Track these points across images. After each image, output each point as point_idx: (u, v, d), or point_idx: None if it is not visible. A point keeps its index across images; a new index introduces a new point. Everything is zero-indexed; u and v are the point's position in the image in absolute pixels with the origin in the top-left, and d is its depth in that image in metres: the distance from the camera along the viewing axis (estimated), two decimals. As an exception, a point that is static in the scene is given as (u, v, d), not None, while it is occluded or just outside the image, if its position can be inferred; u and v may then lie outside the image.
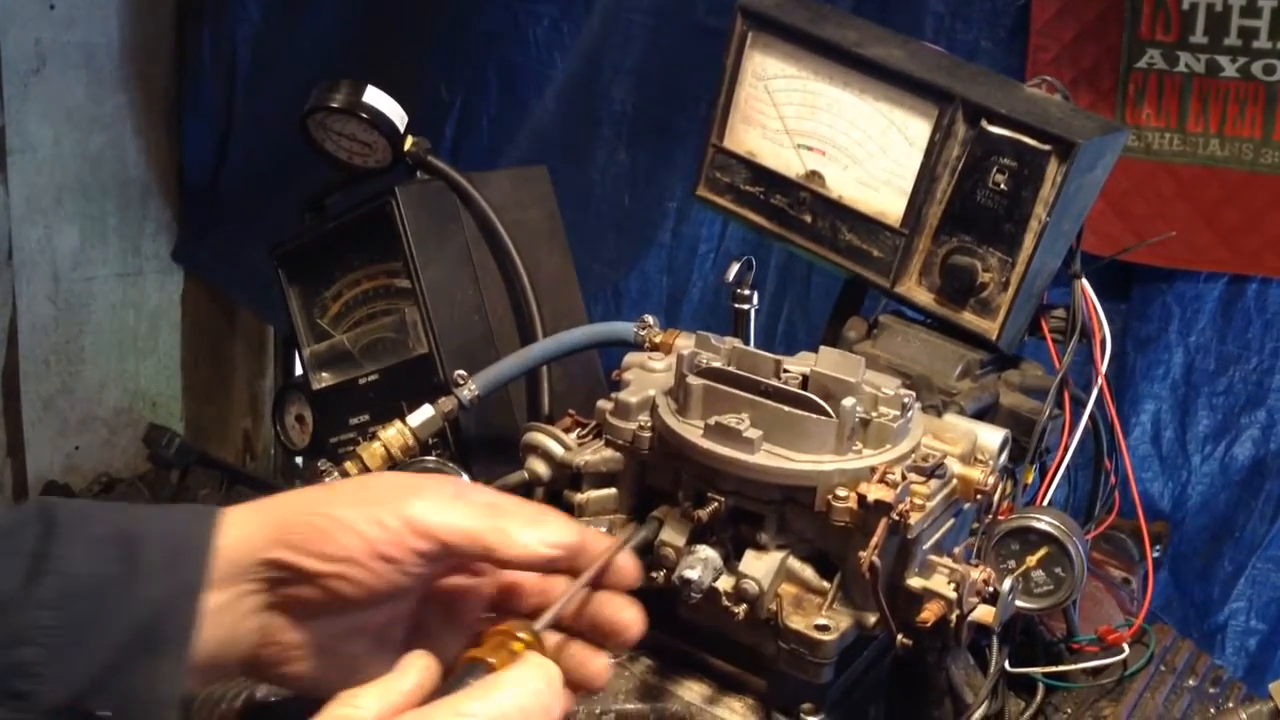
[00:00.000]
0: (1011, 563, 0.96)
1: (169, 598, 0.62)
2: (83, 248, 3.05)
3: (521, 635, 0.61)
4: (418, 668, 0.59)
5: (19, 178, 2.87)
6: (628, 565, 0.70)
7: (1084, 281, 1.11)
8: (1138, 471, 1.84)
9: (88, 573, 0.61)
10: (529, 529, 0.65)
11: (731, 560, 0.83)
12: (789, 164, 1.16)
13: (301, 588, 0.64)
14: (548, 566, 0.66)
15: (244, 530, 0.65)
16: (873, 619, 0.81)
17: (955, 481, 0.84)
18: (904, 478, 0.78)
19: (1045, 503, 1.07)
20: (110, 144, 3.04)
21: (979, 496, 0.85)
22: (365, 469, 1.05)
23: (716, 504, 0.81)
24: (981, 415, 1.04)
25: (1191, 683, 1.07)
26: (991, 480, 0.85)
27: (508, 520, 0.65)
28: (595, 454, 0.91)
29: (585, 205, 2.30)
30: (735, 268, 1.24)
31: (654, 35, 2.25)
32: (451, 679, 0.59)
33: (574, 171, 2.30)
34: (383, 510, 0.64)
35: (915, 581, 0.81)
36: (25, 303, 2.95)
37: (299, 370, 1.38)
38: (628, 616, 0.68)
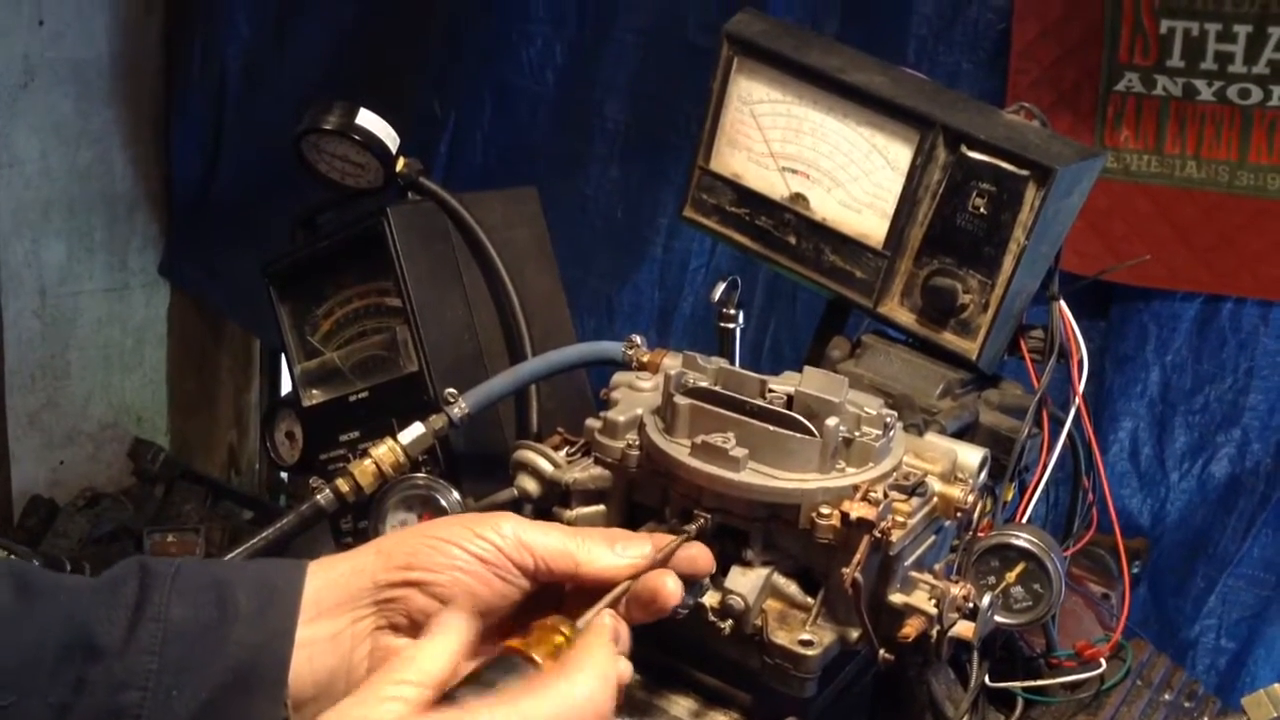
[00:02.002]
0: (991, 579, 0.98)
1: (263, 640, 0.66)
2: (69, 262, 3.05)
3: (564, 631, 0.66)
4: (456, 627, 0.65)
5: (6, 192, 2.87)
6: (702, 555, 0.76)
7: (1062, 303, 1.13)
8: (1117, 488, 1.86)
9: (185, 619, 0.66)
10: (611, 547, 0.71)
11: (717, 576, 0.84)
12: (774, 186, 1.18)
13: (414, 601, 0.69)
14: (627, 579, 0.71)
15: (357, 562, 0.70)
16: (856, 634, 0.83)
17: (936, 499, 0.86)
18: (886, 496, 0.80)
19: (1024, 520, 1.09)
20: (98, 159, 3.05)
21: (959, 514, 0.87)
22: (357, 485, 1.07)
23: (702, 521, 0.83)
24: (962, 434, 1.06)
25: (1167, 697, 1.10)
26: (971, 498, 0.87)
27: (590, 539, 0.71)
28: (584, 471, 0.93)
29: (578, 221, 2.33)
30: (721, 288, 1.26)
31: (645, 54, 2.28)
32: (491, 663, 0.63)
33: (567, 187, 2.33)
34: (481, 527, 0.70)
35: (897, 597, 0.83)
36: (11, 317, 2.94)
37: (286, 385, 1.39)
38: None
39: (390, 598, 0.69)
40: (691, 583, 0.75)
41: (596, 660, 0.65)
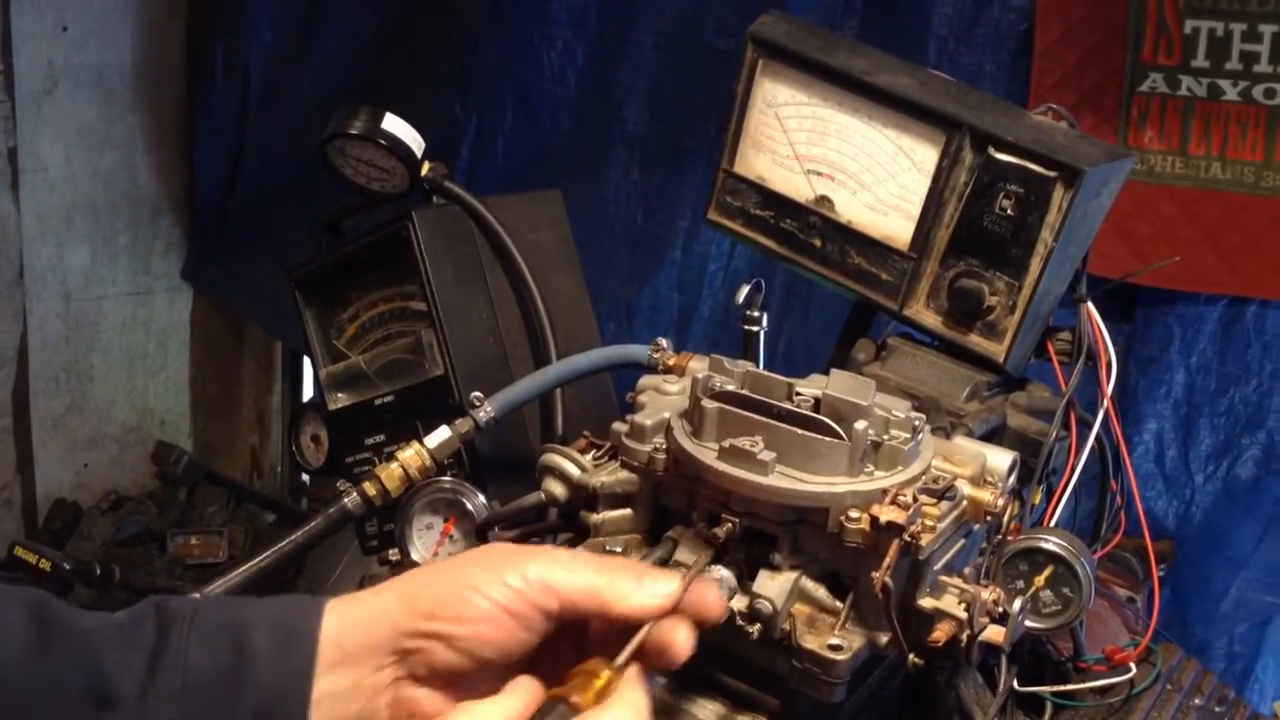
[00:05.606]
0: (1020, 583, 0.98)
1: (281, 683, 0.65)
2: (93, 266, 3.07)
3: (603, 673, 0.66)
4: (526, 690, 0.65)
5: (31, 197, 2.89)
6: (711, 597, 0.72)
7: (1090, 305, 1.13)
8: (1141, 490, 1.85)
9: (204, 665, 0.65)
10: (639, 584, 0.69)
11: (745, 580, 0.84)
12: (799, 189, 1.18)
13: (437, 653, 0.67)
14: (656, 617, 0.69)
15: (379, 603, 0.68)
16: (885, 639, 0.83)
17: (965, 503, 0.86)
18: (915, 499, 0.80)
19: (1052, 523, 1.08)
20: (121, 163, 3.07)
21: (989, 518, 0.86)
22: (384, 489, 1.07)
23: (730, 524, 0.83)
24: (989, 437, 1.05)
25: (1198, 701, 1.09)
26: (1001, 502, 0.86)
27: (618, 576, 0.69)
28: (611, 475, 0.93)
29: (598, 224, 2.33)
30: (745, 290, 1.26)
31: (664, 57, 2.28)
32: (535, 716, 0.64)
33: (587, 190, 2.33)
34: (507, 573, 0.67)
35: (927, 602, 0.83)
36: (36, 321, 2.97)
37: (308, 388, 1.40)
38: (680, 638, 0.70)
39: (411, 649, 0.67)
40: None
41: (633, 698, 0.65)
